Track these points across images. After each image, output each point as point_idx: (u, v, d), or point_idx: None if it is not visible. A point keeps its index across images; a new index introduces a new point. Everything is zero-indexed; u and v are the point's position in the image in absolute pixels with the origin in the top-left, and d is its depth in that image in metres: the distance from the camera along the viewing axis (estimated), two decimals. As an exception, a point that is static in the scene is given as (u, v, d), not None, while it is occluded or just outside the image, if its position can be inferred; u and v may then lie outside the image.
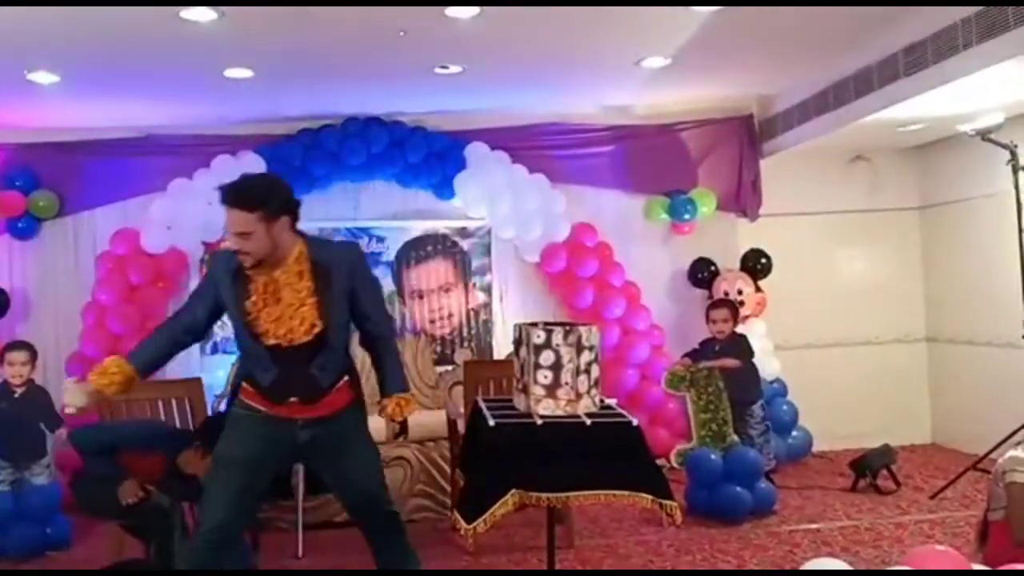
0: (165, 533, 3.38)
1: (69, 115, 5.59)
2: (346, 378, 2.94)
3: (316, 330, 2.77)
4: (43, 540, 4.38)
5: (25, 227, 5.80)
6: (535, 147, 6.13)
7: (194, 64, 4.71)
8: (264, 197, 2.74)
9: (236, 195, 2.73)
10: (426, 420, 4.95)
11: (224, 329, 5.99)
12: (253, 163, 5.73)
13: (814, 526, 4.53)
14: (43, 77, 4.80)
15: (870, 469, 5.25)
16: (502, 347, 5.93)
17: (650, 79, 5.42)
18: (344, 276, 2.85)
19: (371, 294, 2.98)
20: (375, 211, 6.10)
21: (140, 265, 5.60)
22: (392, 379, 2.97)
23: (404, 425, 2.98)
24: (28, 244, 5.87)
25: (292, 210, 2.82)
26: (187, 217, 5.59)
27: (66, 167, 5.86)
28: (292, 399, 2.83)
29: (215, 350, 5.99)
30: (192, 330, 2.92)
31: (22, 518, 4.35)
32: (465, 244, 6.15)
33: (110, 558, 3.88)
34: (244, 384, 2.91)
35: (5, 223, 5.77)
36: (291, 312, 2.76)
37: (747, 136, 6.35)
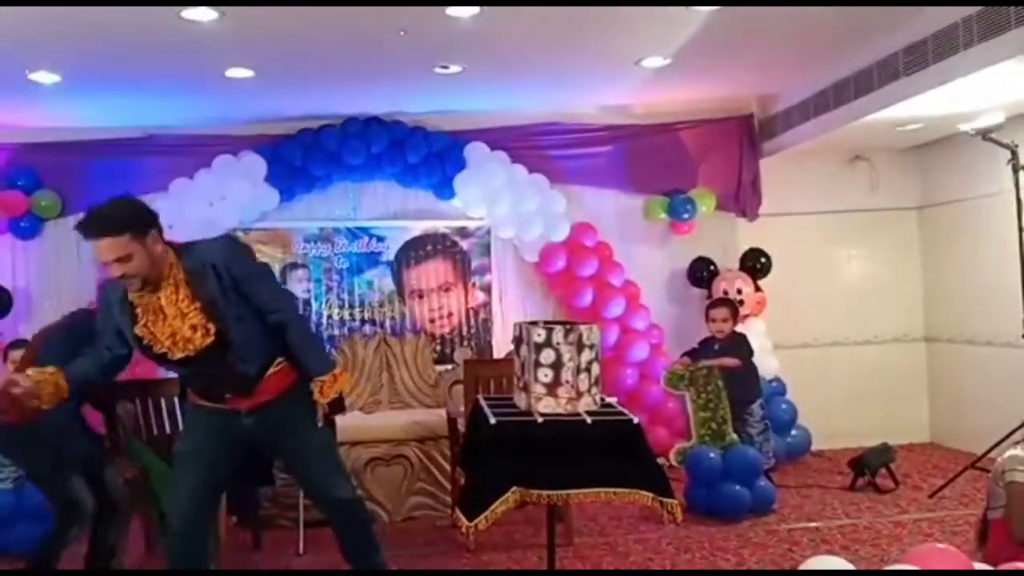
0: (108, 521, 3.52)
1: (71, 115, 5.61)
2: (281, 360, 2.91)
3: (212, 331, 2.76)
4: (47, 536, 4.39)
5: (27, 227, 5.83)
6: (535, 147, 6.15)
7: (195, 64, 4.72)
8: (126, 217, 2.72)
9: (100, 224, 2.70)
10: (426, 419, 4.98)
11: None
12: (254, 163, 5.76)
13: (813, 524, 4.54)
14: (45, 77, 4.82)
15: (869, 468, 5.26)
16: (501, 346, 5.94)
17: (650, 79, 5.44)
18: (222, 271, 2.79)
19: (258, 285, 2.88)
20: (375, 211, 6.12)
21: (141, 264, 5.60)
22: (308, 364, 2.90)
23: (338, 403, 2.92)
24: (31, 244, 5.90)
25: (155, 222, 2.79)
26: (188, 217, 5.60)
27: (68, 167, 5.88)
28: (227, 395, 2.89)
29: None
30: (112, 367, 2.95)
31: (24, 516, 4.36)
32: (465, 244, 6.16)
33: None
34: (187, 387, 3.03)
35: (7, 223, 5.79)
36: (179, 324, 2.75)
37: (747, 136, 6.36)
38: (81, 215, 6.18)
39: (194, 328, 2.75)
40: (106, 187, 5.91)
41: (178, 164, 5.76)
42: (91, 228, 2.69)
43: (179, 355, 2.77)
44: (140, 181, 5.85)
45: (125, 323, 2.83)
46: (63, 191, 5.85)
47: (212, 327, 2.75)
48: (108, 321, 2.88)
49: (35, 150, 5.83)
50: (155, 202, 5.55)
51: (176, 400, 3.30)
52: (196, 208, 5.61)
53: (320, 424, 2.90)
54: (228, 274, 2.78)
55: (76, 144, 5.87)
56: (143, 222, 2.74)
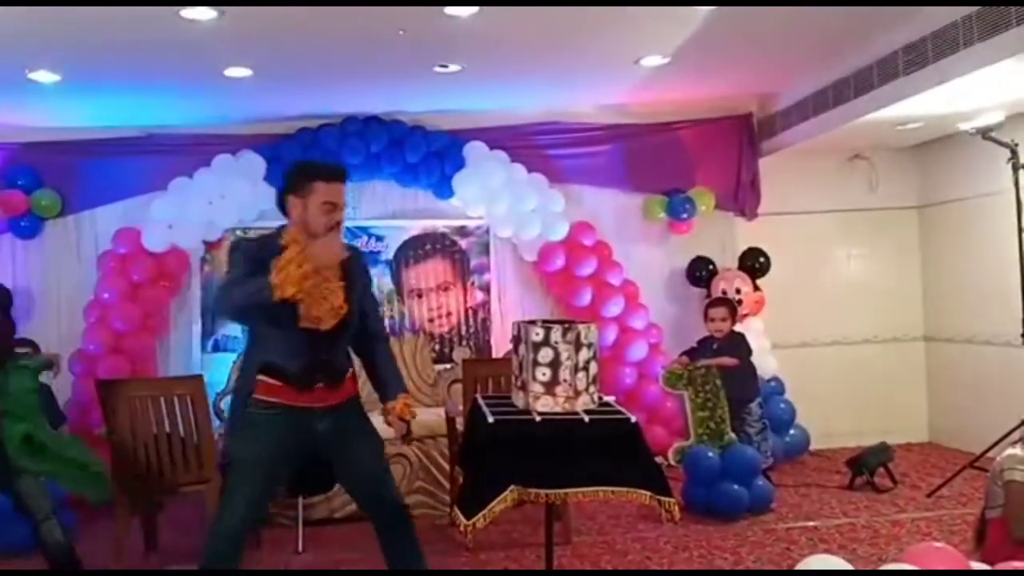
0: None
1: (70, 114, 5.62)
2: (351, 370, 3.05)
3: (342, 313, 2.86)
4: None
5: (28, 226, 5.83)
6: (534, 146, 6.15)
7: (194, 63, 4.73)
8: None
9: (342, 169, 2.99)
10: (425, 418, 4.97)
11: (225, 326, 6.05)
12: (253, 162, 5.76)
13: (811, 523, 4.55)
14: (44, 76, 4.82)
15: (867, 467, 5.26)
16: (500, 345, 5.94)
17: (649, 78, 5.44)
18: (358, 270, 3.01)
19: (372, 295, 3.18)
20: (374, 210, 6.12)
21: (142, 264, 5.61)
22: (396, 380, 3.10)
23: (409, 427, 3.04)
24: (31, 243, 5.90)
25: None
26: (188, 216, 5.61)
27: (68, 166, 5.89)
28: (319, 384, 2.89)
29: (216, 347, 6.03)
30: None
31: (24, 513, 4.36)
32: (464, 243, 6.17)
33: (112, 551, 3.92)
34: (263, 378, 2.88)
35: (8, 222, 5.79)
36: (323, 294, 2.83)
37: (746, 135, 6.37)
38: (82, 214, 6.18)
39: (331, 305, 2.84)
40: (106, 186, 5.95)
41: (177, 163, 5.76)
42: (340, 170, 2.96)
43: (304, 324, 2.79)
44: (140, 180, 5.88)
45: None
46: (63, 190, 5.86)
47: (344, 309, 2.86)
48: (259, 267, 2.79)
49: (35, 149, 5.84)
50: (155, 201, 5.65)
51: (231, 397, 3.12)
52: (196, 207, 5.62)
53: (401, 438, 3.06)
54: (360, 276, 3.02)
55: (76, 143, 5.87)
56: None
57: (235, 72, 4.92)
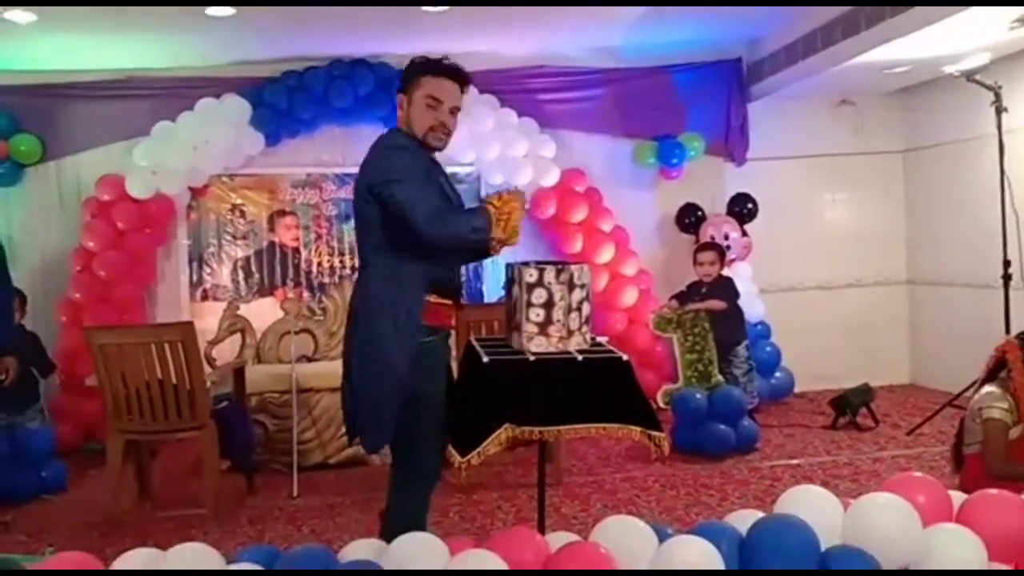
0: None
1: (47, 56, 5.48)
2: None
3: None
4: (38, 484, 4.45)
5: (7, 173, 5.73)
6: (524, 90, 6.09)
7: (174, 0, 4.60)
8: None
9: (461, 69, 2.65)
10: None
11: (214, 275, 6.03)
12: (238, 106, 5.67)
13: (794, 462, 4.67)
14: (19, 16, 4.69)
15: (850, 407, 5.38)
16: (492, 292, 5.97)
17: (638, 19, 5.37)
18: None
19: None
20: (363, 156, 6.03)
21: (126, 211, 5.55)
22: None
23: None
24: (11, 190, 5.81)
25: None
26: (172, 162, 5.53)
27: (46, 110, 5.77)
28: (460, 298, 2.75)
29: (205, 297, 6.02)
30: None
31: (17, 462, 4.40)
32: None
33: (106, 501, 3.96)
34: (430, 297, 2.57)
35: (-13, 169, 5.69)
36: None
37: (735, 80, 6.33)
38: (63, 160, 6.03)
39: None
40: (87, 130, 5.84)
41: (160, 107, 5.66)
42: (456, 69, 2.64)
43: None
44: (122, 125, 5.78)
45: (446, 190, 2.65)
46: (42, 136, 5.74)
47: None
48: (424, 170, 2.59)
49: (11, 93, 5.69)
50: (137, 146, 5.56)
51: (374, 322, 2.56)
52: (180, 152, 5.53)
53: None
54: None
55: (54, 86, 5.74)
56: None
57: (217, 11, 4.79)
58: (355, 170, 6.34)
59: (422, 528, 2.52)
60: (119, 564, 2.01)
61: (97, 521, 3.96)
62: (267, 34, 5.35)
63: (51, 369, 5.19)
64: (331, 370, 4.04)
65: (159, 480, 4.45)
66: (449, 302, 2.65)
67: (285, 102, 5.73)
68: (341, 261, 6.05)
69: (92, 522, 3.97)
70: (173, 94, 5.72)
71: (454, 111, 2.64)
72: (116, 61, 5.67)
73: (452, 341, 2.89)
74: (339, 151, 6.00)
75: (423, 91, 2.60)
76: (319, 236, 6.06)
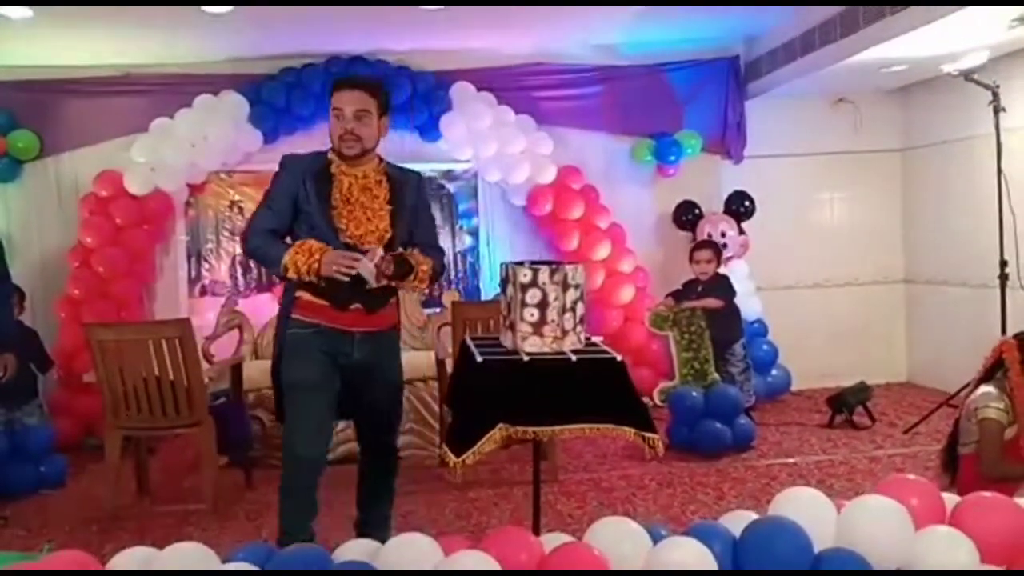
0: None
1: (44, 52, 5.47)
2: (393, 299, 3.02)
3: (387, 237, 2.86)
4: (37, 479, 4.46)
5: (5, 169, 5.73)
6: (521, 88, 6.09)
7: (171, -2, 4.60)
8: (380, 88, 2.91)
9: (357, 78, 2.98)
10: (415, 360, 5.02)
11: (212, 271, 6.04)
12: (236, 103, 5.66)
13: (791, 460, 4.68)
14: (15, 12, 4.68)
15: (846, 406, 5.39)
16: (489, 289, 5.98)
17: (636, 17, 5.36)
18: (412, 195, 2.98)
19: (427, 221, 3.11)
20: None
21: (124, 207, 5.54)
22: (430, 252, 3.00)
23: (407, 267, 2.85)
24: (10, 187, 5.81)
25: (388, 116, 2.95)
26: (170, 158, 5.53)
27: (44, 106, 5.76)
28: (355, 306, 2.87)
29: (203, 292, 6.02)
30: (283, 234, 2.91)
31: (16, 458, 4.42)
32: (452, 187, 6.15)
33: (104, 497, 3.97)
34: (301, 295, 2.87)
35: (-16, 164, 5.69)
36: (368, 215, 2.84)
37: (733, 77, 6.32)
38: (61, 156, 6.08)
39: (375, 226, 2.85)
40: (85, 127, 5.84)
41: (158, 103, 5.65)
42: (348, 78, 2.96)
43: (346, 240, 2.79)
44: (120, 120, 5.78)
45: (314, 192, 2.83)
46: (40, 132, 5.74)
47: (389, 233, 2.87)
48: (289, 189, 2.85)
49: (8, 89, 5.69)
50: (135, 143, 5.56)
51: (279, 317, 2.99)
52: (178, 149, 5.53)
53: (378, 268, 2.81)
54: (418, 195, 3.00)
55: (52, 83, 5.73)
56: (387, 105, 2.94)
57: (215, 8, 4.78)
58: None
59: (304, 529, 2.86)
60: (114, 564, 2.01)
61: (96, 516, 3.97)
62: (265, 31, 5.34)
63: (49, 365, 5.19)
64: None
65: (157, 475, 4.47)
66: (324, 302, 2.86)
67: (283, 99, 5.73)
68: (339, 257, 6.05)
69: (91, 517, 3.98)
70: (171, 91, 5.72)
71: (359, 115, 2.83)
72: (114, 57, 5.66)
73: (451, 337, 3.07)
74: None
75: (331, 107, 2.87)
76: (317, 232, 6.05)
